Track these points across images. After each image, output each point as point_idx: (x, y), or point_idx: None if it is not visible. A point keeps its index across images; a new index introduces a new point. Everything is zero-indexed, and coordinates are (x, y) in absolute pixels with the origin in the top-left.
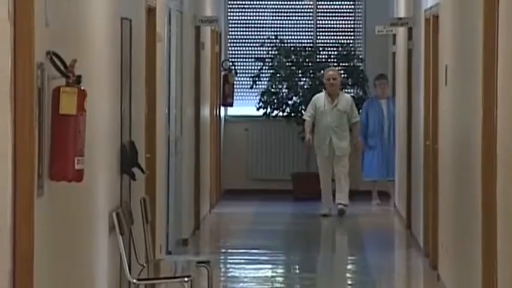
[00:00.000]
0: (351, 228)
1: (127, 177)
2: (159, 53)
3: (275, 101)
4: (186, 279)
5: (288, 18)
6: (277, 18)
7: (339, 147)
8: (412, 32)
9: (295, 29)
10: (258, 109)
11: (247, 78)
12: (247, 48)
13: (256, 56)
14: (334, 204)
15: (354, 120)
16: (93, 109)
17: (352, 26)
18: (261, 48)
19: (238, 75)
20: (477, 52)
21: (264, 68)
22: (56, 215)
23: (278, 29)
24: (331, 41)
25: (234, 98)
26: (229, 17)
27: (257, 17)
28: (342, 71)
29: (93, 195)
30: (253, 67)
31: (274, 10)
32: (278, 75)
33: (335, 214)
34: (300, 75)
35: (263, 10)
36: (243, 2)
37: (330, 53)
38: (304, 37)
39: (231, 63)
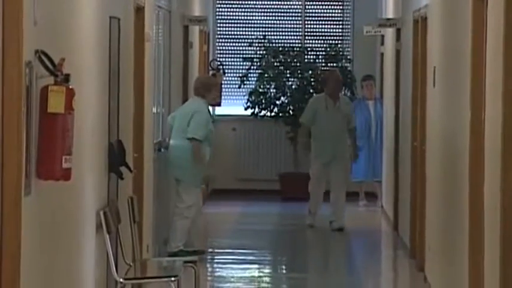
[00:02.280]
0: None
1: (114, 176)
2: (148, 52)
3: (263, 101)
4: (173, 278)
5: (276, 18)
6: (265, 18)
7: (340, 153)
8: (401, 33)
9: (283, 29)
10: (246, 109)
11: (235, 78)
12: (235, 48)
13: (244, 55)
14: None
15: (352, 125)
16: (81, 108)
17: (341, 26)
18: (249, 48)
19: (226, 74)
20: (465, 53)
21: (252, 67)
22: (43, 213)
23: (266, 29)
24: (319, 41)
25: (222, 97)
26: (217, 17)
27: (245, 17)
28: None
29: (81, 194)
30: (241, 67)
31: (263, 10)
32: (266, 75)
33: (320, 225)
34: (288, 75)
35: (251, 10)
36: (232, 2)
37: (318, 53)
38: (292, 37)
39: (219, 63)
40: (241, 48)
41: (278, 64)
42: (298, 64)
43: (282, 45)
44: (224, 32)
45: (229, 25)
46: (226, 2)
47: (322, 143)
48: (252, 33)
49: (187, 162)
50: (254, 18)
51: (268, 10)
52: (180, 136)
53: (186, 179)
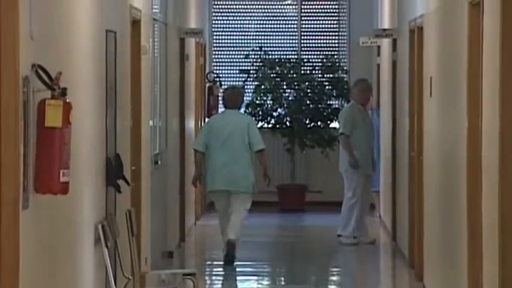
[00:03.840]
0: (336, 239)
1: (112, 189)
2: (144, 65)
3: (260, 112)
4: None
5: (273, 30)
6: (261, 30)
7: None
8: (397, 43)
9: (279, 41)
10: None
11: None
12: (231, 60)
13: (240, 67)
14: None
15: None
16: (78, 121)
17: (337, 37)
18: (246, 60)
19: (222, 87)
20: (462, 63)
21: (248, 79)
22: (41, 227)
23: (262, 41)
24: (315, 52)
25: (219, 109)
26: (213, 29)
27: (241, 29)
28: (327, 83)
29: (79, 207)
30: (237, 79)
31: (259, 22)
32: (263, 87)
33: (317, 235)
34: (285, 86)
35: (247, 22)
36: (228, 14)
37: (314, 64)
38: (288, 49)
39: (215, 75)
40: (237, 60)
41: (274, 76)
42: (294, 75)
43: (279, 56)
44: (220, 44)
45: (226, 37)
46: (222, 14)
47: (364, 154)
48: (248, 45)
49: (251, 172)
50: (250, 30)
51: (264, 22)
52: (240, 149)
53: (251, 189)
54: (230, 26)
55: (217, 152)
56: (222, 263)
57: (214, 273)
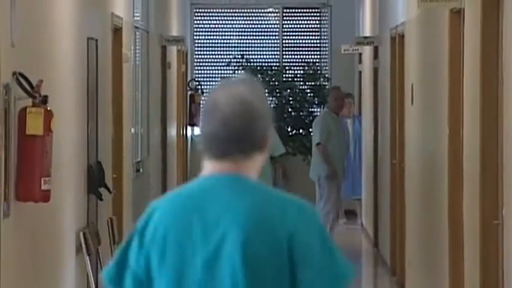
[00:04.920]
0: None
1: (94, 197)
2: (126, 72)
3: None
4: None
5: (254, 37)
6: (243, 37)
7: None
8: (378, 50)
9: (261, 49)
10: None
11: None
12: (213, 68)
13: (222, 75)
14: None
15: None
16: (59, 129)
17: (318, 45)
18: (227, 68)
19: (204, 94)
20: (443, 70)
21: None
22: (22, 235)
23: (244, 49)
24: (297, 60)
25: (200, 117)
26: (195, 37)
27: (223, 37)
28: (308, 90)
29: (60, 215)
30: None
31: (240, 30)
32: None
33: None
34: (267, 94)
35: (229, 30)
36: (209, 22)
37: (296, 72)
38: (270, 56)
39: (197, 83)
40: (219, 68)
41: None
42: (276, 83)
43: (260, 64)
44: (202, 52)
45: (207, 45)
46: (204, 22)
47: (338, 163)
48: (230, 52)
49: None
50: (232, 38)
51: (246, 30)
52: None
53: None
54: (212, 33)
55: None
56: None
57: None
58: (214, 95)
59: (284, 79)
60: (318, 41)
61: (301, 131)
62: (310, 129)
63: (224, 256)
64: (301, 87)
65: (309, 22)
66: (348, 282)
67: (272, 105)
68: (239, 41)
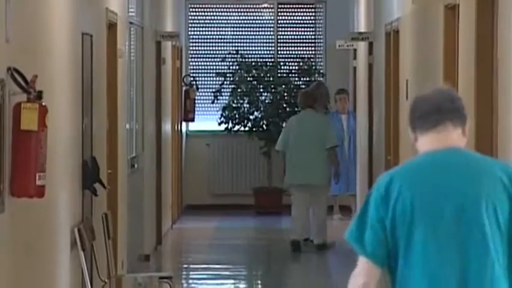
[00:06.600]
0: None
1: (89, 193)
2: (120, 68)
3: (236, 116)
4: None
5: (249, 33)
6: (238, 33)
7: None
8: (373, 46)
9: (256, 44)
10: (219, 124)
11: (209, 93)
12: (208, 64)
13: (217, 71)
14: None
15: None
16: (54, 125)
17: (313, 40)
18: (222, 63)
19: (199, 90)
20: (437, 66)
21: (225, 83)
22: (17, 231)
23: (239, 44)
24: (292, 55)
25: (196, 113)
26: (190, 32)
27: (218, 32)
28: (303, 86)
29: (55, 211)
30: (214, 82)
31: (235, 25)
32: (239, 90)
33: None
34: (261, 90)
35: (224, 25)
36: (204, 17)
37: (291, 67)
38: (265, 52)
39: (192, 79)
40: (214, 63)
41: (251, 79)
42: (271, 79)
43: (255, 60)
44: (197, 48)
45: (202, 41)
46: (199, 17)
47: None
48: (225, 48)
49: (325, 167)
50: (227, 33)
51: (241, 25)
52: (317, 145)
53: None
54: (207, 29)
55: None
56: (198, 266)
57: (190, 276)
58: (419, 96)
59: (279, 75)
60: (312, 37)
61: None
62: None
63: (469, 210)
64: (296, 83)
65: (303, 17)
66: None
67: (267, 101)
68: (234, 37)
